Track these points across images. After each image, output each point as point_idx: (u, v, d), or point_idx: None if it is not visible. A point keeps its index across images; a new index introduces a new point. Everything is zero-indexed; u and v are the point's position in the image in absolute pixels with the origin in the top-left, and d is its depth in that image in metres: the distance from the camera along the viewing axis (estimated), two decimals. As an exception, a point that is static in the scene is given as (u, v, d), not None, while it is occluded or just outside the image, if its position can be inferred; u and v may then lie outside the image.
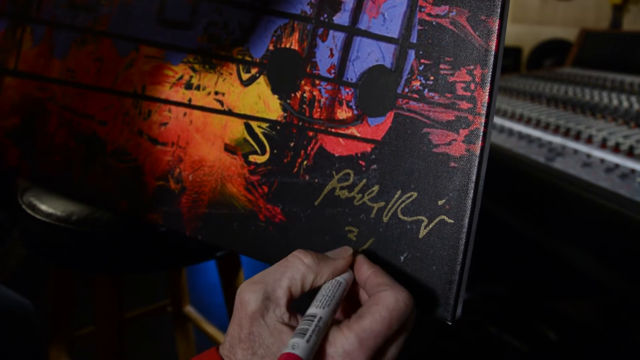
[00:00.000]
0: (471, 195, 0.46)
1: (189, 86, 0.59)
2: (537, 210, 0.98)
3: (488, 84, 0.46)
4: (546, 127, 1.14)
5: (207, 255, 0.68)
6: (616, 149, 0.95)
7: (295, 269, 0.41)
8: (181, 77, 0.60)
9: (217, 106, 0.57)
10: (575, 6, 2.36)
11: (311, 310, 0.39)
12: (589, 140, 1.02)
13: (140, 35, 0.63)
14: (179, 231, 0.60)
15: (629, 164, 0.89)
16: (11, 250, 1.62)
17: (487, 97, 0.46)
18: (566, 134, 1.08)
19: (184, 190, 0.59)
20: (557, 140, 1.05)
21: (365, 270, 0.43)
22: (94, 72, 0.67)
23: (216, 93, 0.57)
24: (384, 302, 0.38)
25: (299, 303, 0.42)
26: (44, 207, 0.69)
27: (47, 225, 0.66)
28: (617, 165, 0.90)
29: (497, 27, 0.46)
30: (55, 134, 0.70)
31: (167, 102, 0.61)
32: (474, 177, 0.46)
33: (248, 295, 0.38)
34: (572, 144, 1.01)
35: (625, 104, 1.23)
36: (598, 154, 0.94)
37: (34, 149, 0.73)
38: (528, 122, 1.20)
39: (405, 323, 0.40)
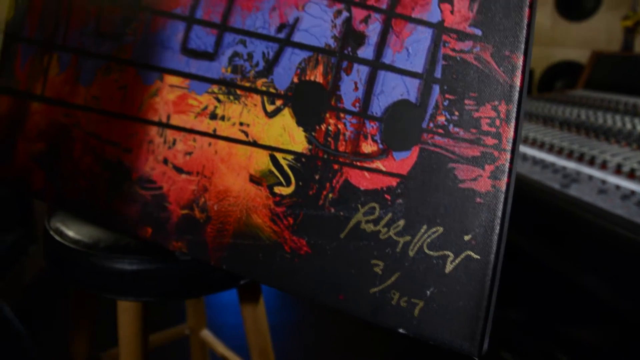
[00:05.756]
0: (497, 231, 0.46)
1: (213, 116, 0.60)
2: (553, 237, 0.97)
3: (513, 120, 0.46)
4: (560, 152, 1.14)
5: (231, 284, 0.69)
6: (631, 175, 0.95)
7: None
8: (206, 107, 0.61)
9: (242, 137, 0.58)
10: (587, 28, 2.35)
11: None
12: (604, 166, 1.02)
13: (164, 65, 0.64)
14: (204, 260, 0.60)
15: (645, 191, 0.89)
16: (26, 266, 1.63)
17: (512, 133, 0.46)
18: (580, 158, 1.07)
19: (209, 220, 0.60)
20: (571, 165, 1.04)
21: None
22: (119, 99, 0.68)
23: (241, 124, 0.58)
24: None
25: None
26: (71, 234, 0.70)
27: (74, 252, 0.67)
28: (633, 192, 0.89)
29: (521, 63, 0.46)
30: (80, 160, 0.71)
31: (192, 131, 0.62)
32: (500, 213, 0.46)
33: None
34: (586, 170, 1.01)
35: (639, 127, 1.22)
36: (613, 180, 0.94)
37: (60, 174, 0.74)
38: (542, 146, 1.19)
39: None
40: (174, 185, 0.63)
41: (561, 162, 1.08)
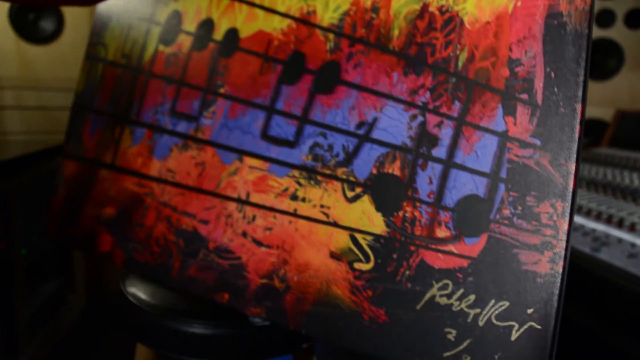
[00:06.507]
0: (555, 305, 0.56)
1: (294, 198, 0.68)
2: (586, 301, 1.01)
3: (567, 215, 0.57)
4: (588, 214, 1.19)
5: (294, 347, 0.76)
6: (659, 239, 1.00)
7: None
8: (286, 189, 0.69)
9: (323, 218, 0.66)
10: (610, 87, 2.48)
11: None
12: (632, 228, 1.07)
13: (244, 148, 0.73)
14: (282, 325, 0.68)
15: (674, 256, 0.94)
16: (64, 315, 1.64)
17: (567, 226, 0.57)
18: (609, 220, 1.12)
19: (288, 289, 0.68)
20: (600, 227, 1.10)
21: None
22: (196, 175, 0.76)
23: (321, 206, 0.67)
24: None
25: None
26: (148, 299, 0.76)
27: (152, 316, 0.73)
28: (661, 257, 0.94)
29: (574, 169, 0.57)
30: (153, 227, 0.78)
31: (273, 209, 0.70)
32: (557, 291, 0.56)
33: None
34: (615, 232, 1.06)
35: (664, 188, 1.28)
36: (642, 243, 0.99)
37: (130, 239, 0.80)
38: (570, 207, 1.25)
39: None
40: (253, 257, 0.70)
41: (590, 224, 1.14)
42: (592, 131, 2.47)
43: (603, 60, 2.48)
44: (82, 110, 0.88)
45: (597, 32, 2.43)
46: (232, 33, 0.75)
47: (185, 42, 0.80)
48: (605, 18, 2.46)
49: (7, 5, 1.72)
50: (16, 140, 1.81)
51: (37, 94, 1.84)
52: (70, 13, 1.85)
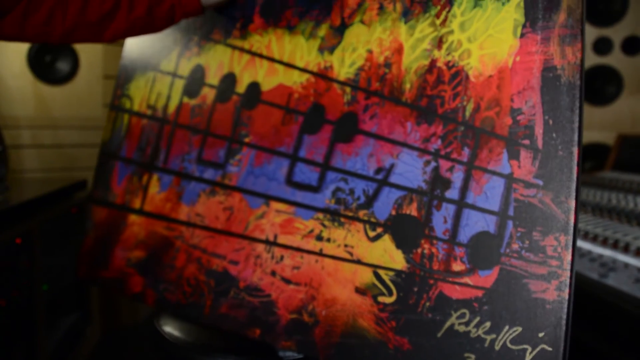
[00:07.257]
0: (564, 328, 0.63)
1: (319, 238, 0.75)
2: (595, 326, 1.03)
3: (570, 247, 0.63)
4: (594, 239, 1.20)
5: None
6: (665, 263, 1.02)
7: None
8: (312, 231, 0.75)
9: (347, 256, 0.73)
10: (610, 112, 2.51)
11: None
12: (638, 253, 1.08)
13: (270, 193, 0.79)
14: (313, 357, 0.73)
15: (680, 280, 0.95)
16: (81, 349, 1.65)
17: (570, 257, 0.63)
18: (615, 245, 1.14)
19: (317, 323, 0.73)
20: (607, 253, 1.11)
21: None
22: (224, 219, 0.82)
23: (346, 245, 0.73)
24: None
25: None
26: (183, 337, 0.81)
27: (189, 353, 0.78)
28: (667, 281, 0.95)
29: (574, 205, 0.64)
30: (184, 268, 0.84)
31: (299, 250, 0.76)
32: (565, 315, 0.63)
33: None
34: (622, 257, 1.08)
35: (668, 212, 1.30)
36: (648, 268, 1.00)
37: (161, 279, 0.86)
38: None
39: None
40: (283, 294, 0.76)
41: (597, 249, 1.15)
42: (594, 155, 2.50)
43: (602, 86, 2.52)
44: (109, 158, 0.94)
45: (596, 59, 2.48)
46: (254, 86, 0.82)
47: (209, 94, 0.86)
48: (602, 45, 2.51)
49: (25, 48, 1.78)
50: (33, 178, 1.85)
51: (53, 132, 1.91)
52: (85, 54, 1.92)
